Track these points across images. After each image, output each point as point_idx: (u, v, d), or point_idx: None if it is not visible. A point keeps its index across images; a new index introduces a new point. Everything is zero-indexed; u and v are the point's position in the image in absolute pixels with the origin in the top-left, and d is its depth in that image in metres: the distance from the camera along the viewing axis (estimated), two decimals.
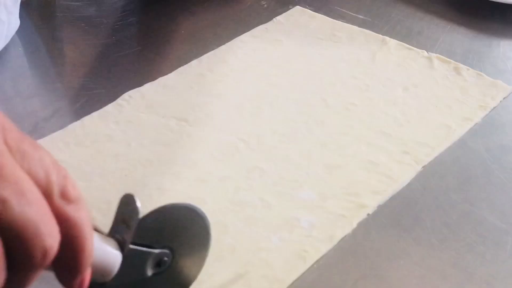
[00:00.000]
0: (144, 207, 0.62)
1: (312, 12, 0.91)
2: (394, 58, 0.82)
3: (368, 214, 0.61)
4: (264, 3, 0.94)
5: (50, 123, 0.73)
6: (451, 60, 0.80)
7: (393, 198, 0.63)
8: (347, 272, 0.56)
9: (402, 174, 0.65)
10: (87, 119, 0.73)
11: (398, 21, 0.91)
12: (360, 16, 0.91)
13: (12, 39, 0.85)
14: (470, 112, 0.73)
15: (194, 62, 0.81)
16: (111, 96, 0.76)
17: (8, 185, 0.32)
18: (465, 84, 0.77)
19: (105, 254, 0.45)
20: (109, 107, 0.74)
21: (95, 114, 0.73)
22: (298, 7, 0.92)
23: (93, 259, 0.41)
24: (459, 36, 0.87)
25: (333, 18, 0.90)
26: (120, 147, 0.69)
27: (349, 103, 0.74)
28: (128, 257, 0.47)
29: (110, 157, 0.68)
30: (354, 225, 0.60)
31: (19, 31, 0.86)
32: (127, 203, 0.48)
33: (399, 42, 0.85)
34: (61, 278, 0.38)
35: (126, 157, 0.68)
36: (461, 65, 0.79)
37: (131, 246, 0.47)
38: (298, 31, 0.88)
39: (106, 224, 0.60)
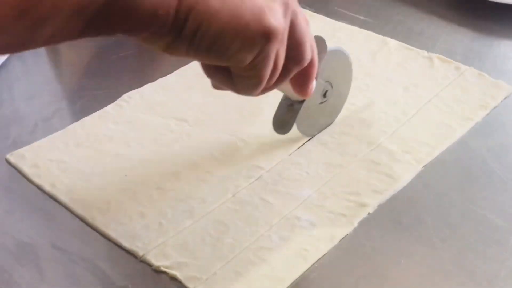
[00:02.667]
0: (144, 206, 0.62)
1: (313, 12, 0.91)
2: (394, 58, 0.82)
3: (368, 213, 0.61)
4: None
5: (50, 124, 0.73)
6: (452, 60, 0.80)
7: (394, 198, 0.63)
8: (348, 271, 0.56)
9: (403, 173, 0.65)
10: (87, 120, 0.73)
11: (398, 22, 0.90)
12: (361, 17, 0.91)
13: None
14: (470, 112, 0.72)
15: (193, 63, 0.81)
16: (111, 97, 0.76)
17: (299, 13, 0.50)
18: (466, 83, 0.77)
19: None
20: (109, 108, 0.74)
21: (95, 114, 0.73)
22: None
23: None
24: (460, 37, 0.87)
25: (334, 19, 0.90)
26: (120, 148, 0.69)
27: (350, 103, 0.74)
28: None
29: (110, 157, 0.68)
30: (355, 224, 0.60)
31: None
32: (316, 41, 0.57)
33: (400, 42, 0.84)
34: (301, 84, 0.59)
35: (126, 157, 0.67)
36: (462, 65, 0.79)
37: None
38: None
39: (106, 223, 0.60)
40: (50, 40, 0.39)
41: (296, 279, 0.55)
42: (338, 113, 0.72)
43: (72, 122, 0.72)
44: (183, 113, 0.73)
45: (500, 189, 0.64)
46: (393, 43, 0.85)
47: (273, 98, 0.74)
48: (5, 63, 0.82)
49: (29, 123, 0.73)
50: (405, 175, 0.65)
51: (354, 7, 0.93)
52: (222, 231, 0.59)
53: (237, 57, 0.46)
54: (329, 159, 0.67)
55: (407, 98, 0.75)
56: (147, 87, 0.77)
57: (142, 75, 0.80)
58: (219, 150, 0.68)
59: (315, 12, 0.92)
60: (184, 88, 0.77)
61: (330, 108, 0.70)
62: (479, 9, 0.91)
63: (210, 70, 0.52)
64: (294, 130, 0.68)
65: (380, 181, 0.64)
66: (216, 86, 0.56)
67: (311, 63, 0.56)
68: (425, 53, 0.82)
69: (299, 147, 0.68)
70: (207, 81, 0.78)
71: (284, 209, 0.61)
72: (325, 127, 0.70)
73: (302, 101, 0.65)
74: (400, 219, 0.61)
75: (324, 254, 0.57)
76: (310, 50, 0.53)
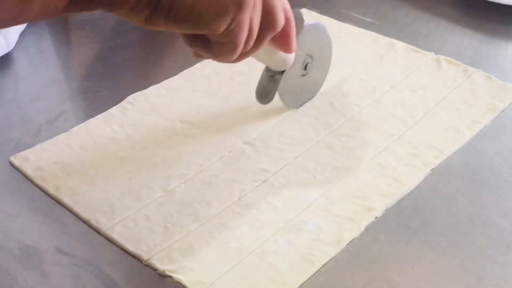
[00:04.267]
0: (149, 209, 0.62)
1: (319, 14, 0.91)
2: (401, 61, 0.81)
3: (376, 218, 0.60)
4: None
5: (55, 126, 0.72)
6: (460, 63, 0.79)
7: (401, 201, 0.62)
8: (355, 276, 0.56)
9: (410, 177, 0.64)
10: (91, 122, 0.72)
11: (405, 24, 0.90)
12: (367, 19, 0.90)
13: (17, 42, 0.84)
14: (479, 115, 0.72)
15: (198, 65, 0.81)
16: (116, 98, 0.75)
17: None
18: (474, 86, 0.76)
19: None
20: (114, 110, 0.74)
21: (99, 116, 0.73)
22: (304, 9, 0.92)
23: (282, 55, 0.66)
24: (467, 39, 0.86)
25: (340, 21, 0.89)
26: (124, 150, 0.68)
27: (356, 105, 0.73)
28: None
29: (115, 159, 0.67)
30: (362, 228, 0.59)
31: (24, 34, 0.86)
32: (294, 15, 0.62)
33: (407, 44, 0.84)
34: (283, 42, 0.63)
35: (131, 160, 0.67)
36: (470, 68, 0.79)
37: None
38: None
39: (110, 226, 0.60)
40: (39, 16, 0.42)
41: (303, 284, 0.55)
42: (319, 88, 0.75)
43: (76, 124, 0.72)
44: (188, 115, 0.73)
45: (509, 193, 0.63)
46: (400, 45, 0.84)
47: (279, 101, 0.74)
48: (9, 64, 0.82)
49: (33, 126, 0.72)
50: (413, 178, 0.64)
51: (361, 9, 0.92)
52: (227, 235, 0.59)
53: (212, 25, 0.49)
54: (335, 162, 0.66)
55: (414, 100, 0.74)
56: (152, 89, 0.77)
57: (147, 77, 0.79)
58: (224, 153, 0.67)
59: (321, 13, 0.91)
60: (189, 90, 0.77)
61: (311, 82, 0.74)
62: (487, 11, 0.91)
63: (190, 39, 0.55)
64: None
65: (388, 185, 0.63)
66: (196, 54, 0.58)
67: (287, 22, 0.60)
68: (432, 55, 0.81)
69: (305, 150, 0.67)
70: (212, 83, 0.78)
71: (290, 213, 0.61)
72: (307, 101, 0.74)
73: (282, 72, 0.69)
74: (407, 223, 0.60)
75: (331, 259, 0.57)
76: (282, 16, 0.56)
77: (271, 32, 0.57)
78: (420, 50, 0.83)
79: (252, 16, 0.52)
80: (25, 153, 0.68)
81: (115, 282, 0.55)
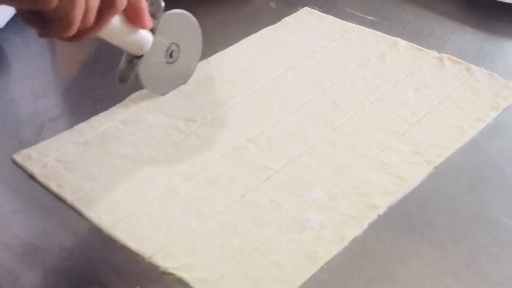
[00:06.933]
0: (152, 207, 0.61)
1: (321, 13, 0.91)
2: (404, 59, 0.81)
3: (379, 215, 0.60)
4: (272, 4, 0.93)
5: (58, 123, 0.72)
6: (463, 61, 0.79)
7: (404, 199, 0.62)
8: (358, 273, 0.55)
9: (413, 174, 0.64)
10: (94, 120, 0.72)
11: (407, 23, 0.90)
12: (370, 18, 0.90)
13: (21, 41, 0.84)
14: (482, 113, 0.72)
15: (202, 63, 0.81)
16: (119, 96, 0.75)
17: None
18: (477, 84, 0.76)
19: (143, 34, 0.68)
20: (117, 108, 0.74)
21: (102, 114, 0.73)
22: (306, 8, 0.92)
23: (136, 36, 0.67)
24: (470, 37, 0.86)
25: (343, 20, 0.89)
26: (127, 148, 0.68)
27: (359, 103, 0.73)
28: (153, 44, 0.70)
29: (118, 157, 0.67)
30: (365, 226, 0.59)
31: (26, 32, 0.86)
32: (152, 2, 0.68)
33: (410, 43, 0.84)
34: (134, 17, 0.64)
35: (134, 158, 0.67)
36: (473, 66, 0.79)
37: (154, 36, 0.69)
38: (307, 32, 0.87)
39: (113, 224, 0.60)
40: None
41: (306, 281, 0.55)
42: (190, 75, 0.78)
43: (79, 122, 0.72)
44: (191, 113, 0.73)
45: None
46: (402, 43, 0.84)
47: (282, 99, 0.74)
48: (12, 63, 0.82)
49: (36, 123, 0.72)
50: (416, 176, 0.64)
51: (363, 7, 0.92)
52: (231, 233, 0.59)
53: (41, 1, 0.51)
54: (339, 160, 0.66)
55: (417, 99, 0.74)
56: None
57: None
58: (228, 151, 0.67)
59: (323, 12, 0.91)
60: (193, 88, 0.77)
61: (180, 70, 0.76)
62: (489, 10, 0.91)
63: (26, 16, 0.56)
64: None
65: (391, 183, 0.63)
66: (41, 33, 0.58)
67: None
68: (435, 53, 0.81)
69: (308, 148, 0.67)
70: (215, 81, 0.78)
71: (293, 210, 0.61)
72: (175, 88, 0.76)
73: (140, 57, 0.70)
74: (411, 220, 0.60)
75: (334, 256, 0.57)
76: None
77: (112, 11, 0.58)
78: (423, 48, 0.83)
79: None
80: (28, 150, 0.68)
81: (118, 279, 0.55)
